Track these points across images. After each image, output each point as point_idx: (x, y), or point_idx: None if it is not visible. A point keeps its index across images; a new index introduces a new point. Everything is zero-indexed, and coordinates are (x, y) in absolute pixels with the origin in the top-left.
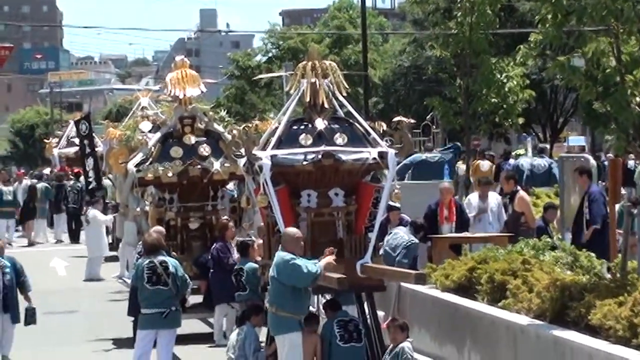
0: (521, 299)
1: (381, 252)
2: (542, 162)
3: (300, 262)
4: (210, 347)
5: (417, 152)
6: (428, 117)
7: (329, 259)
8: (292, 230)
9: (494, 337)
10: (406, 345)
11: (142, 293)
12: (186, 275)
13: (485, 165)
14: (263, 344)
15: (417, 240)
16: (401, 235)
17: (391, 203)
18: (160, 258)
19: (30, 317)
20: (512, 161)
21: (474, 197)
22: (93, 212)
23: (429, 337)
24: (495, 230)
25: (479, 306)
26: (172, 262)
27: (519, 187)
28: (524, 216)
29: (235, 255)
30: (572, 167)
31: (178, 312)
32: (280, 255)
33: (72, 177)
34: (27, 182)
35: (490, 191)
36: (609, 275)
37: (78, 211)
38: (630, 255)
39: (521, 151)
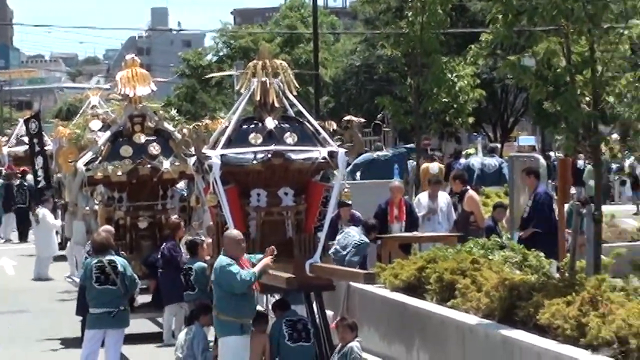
0: (470, 299)
1: (332, 250)
2: (493, 161)
3: (235, 269)
4: (159, 346)
5: (368, 151)
6: (379, 116)
7: (267, 260)
8: (234, 232)
9: (443, 337)
10: (355, 344)
11: (91, 292)
12: (135, 274)
13: (434, 167)
14: (212, 344)
15: (367, 240)
16: (352, 234)
17: (342, 199)
18: (109, 257)
19: None
20: (463, 160)
21: (423, 197)
22: (43, 212)
23: (378, 336)
24: (444, 230)
25: (428, 306)
26: (120, 262)
27: (468, 187)
28: (473, 215)
29: (185, 254)
30: (522, 166)
31: (126, 312)
32: (219, 260)
33: (19, 175)
34: None
35: (440, 191)
36: (557, 275)
37: (25, 210)
38: (578, 254)
39: (471, 150)
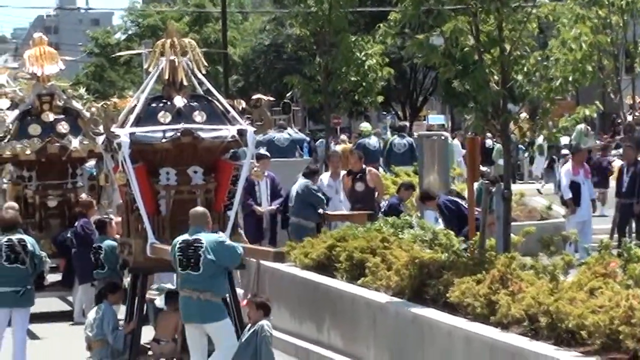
0: (380, 277)
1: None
2: (403, 141)
3: (231, 242)
4: (70, 325)
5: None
6: (288, 95)
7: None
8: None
9: (354, 315)
10: (265, 322)
11: None
12: (42, 253)
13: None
14: (122, 322)
15: (307, 182)
16: (293, 188)
17: (261, 151)
18: (19, 236)
19: None
20: (370, 140)
21: (325, 177)
22: None
23: (289, 314)
24: (346, 208)
25: (339, 284)
26: (30, 240)
27: (364, 165)
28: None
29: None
30: (430, 145)
31: (32, 291)
32: (214, 236)
33: None
34: None
35: (342, 170)
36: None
37: None
38: (488, 233)
39: (364, 126)
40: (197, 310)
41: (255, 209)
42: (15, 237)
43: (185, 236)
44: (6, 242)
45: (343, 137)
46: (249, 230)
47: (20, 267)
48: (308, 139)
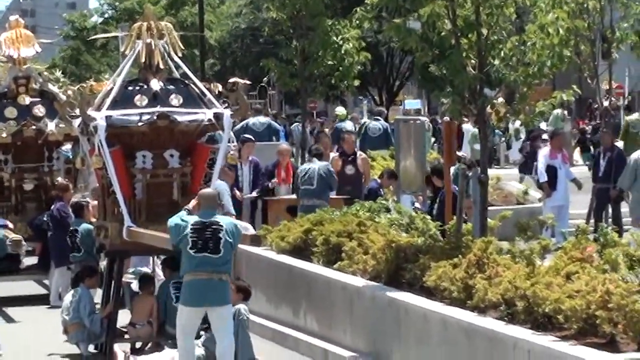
0: (357, 261)
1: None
2: (378, 125)
3: None
4: (46, 308)
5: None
6: (264, 79)
7: None
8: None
9: (330, 299)
10: (242, 306)
11: None
12: (18, 236)
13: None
14: (98, 306)
15: (326, 165)
16: (311, 168)
17: (246, 136)
18: None
19: None
20: (346, 125)
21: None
22: None
23: (265, 298)
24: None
25: (315, 268)
26: None
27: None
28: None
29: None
30: (407, 129)
31: None
32: (229, 220)
33: None
34: None
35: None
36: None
37: None
38: (465, 217)
39: (339, 111)
40: (217, 293)
41: (235, 193)
42: None
43: (195, 217)
44: None
45: None
46: None
47: None
48: (282, 128)
